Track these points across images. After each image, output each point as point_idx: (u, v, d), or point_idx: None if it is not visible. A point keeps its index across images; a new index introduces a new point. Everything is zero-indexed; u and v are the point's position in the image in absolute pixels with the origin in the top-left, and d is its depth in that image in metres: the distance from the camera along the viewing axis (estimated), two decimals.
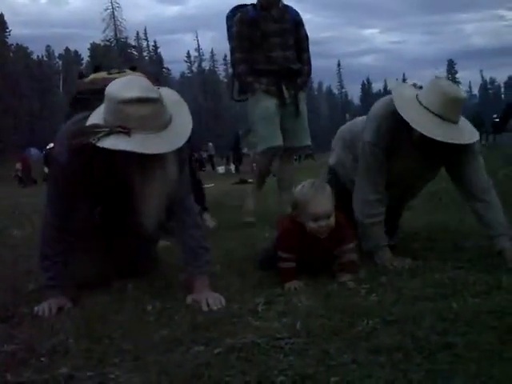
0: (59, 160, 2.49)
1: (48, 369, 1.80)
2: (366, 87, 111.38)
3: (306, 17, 5.19)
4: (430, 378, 1.58)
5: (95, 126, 2.28)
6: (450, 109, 2.84)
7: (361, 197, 3.14)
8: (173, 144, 2.32)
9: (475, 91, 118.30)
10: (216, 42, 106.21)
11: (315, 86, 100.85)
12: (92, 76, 3.65)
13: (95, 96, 2.58)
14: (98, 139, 2.23)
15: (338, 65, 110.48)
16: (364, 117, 3.37)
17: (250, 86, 4.91)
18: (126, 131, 2.21)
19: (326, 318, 2.13)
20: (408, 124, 2.87)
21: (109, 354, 1.90)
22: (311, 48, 5.12)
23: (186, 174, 2.72)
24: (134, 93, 2.24)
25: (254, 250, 3.46)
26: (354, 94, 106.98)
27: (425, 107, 2.86)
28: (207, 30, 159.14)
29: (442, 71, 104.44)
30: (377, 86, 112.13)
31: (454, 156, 3.05)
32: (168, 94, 2.46)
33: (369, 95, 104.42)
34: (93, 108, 2.44)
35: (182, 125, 2.40)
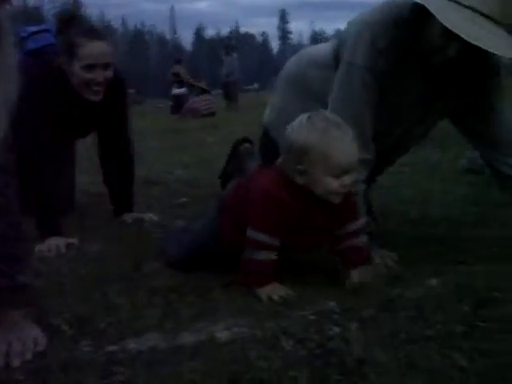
0: None
1: None
2: (199, 33, 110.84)
3: None
4: (200, 315, 1.68)
5: None
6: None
7: None
8: None
9: (306, 42, 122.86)
10: None
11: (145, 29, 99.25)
12: None
13: None
14: None
15: (171, 9, 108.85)
16: (328, 43, 2.35)
17: None
18: None
19: (114, 263, 2.19)
20: (419, 39, 1.96)
21: None
22: None
23: None
24: None
25: None
26: (187, 40, 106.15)
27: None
28: None
29: (275, 20, 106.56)
30: (210, 33, 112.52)
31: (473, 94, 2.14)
32: None
33: (202, 41, 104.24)
34: None
35: None
